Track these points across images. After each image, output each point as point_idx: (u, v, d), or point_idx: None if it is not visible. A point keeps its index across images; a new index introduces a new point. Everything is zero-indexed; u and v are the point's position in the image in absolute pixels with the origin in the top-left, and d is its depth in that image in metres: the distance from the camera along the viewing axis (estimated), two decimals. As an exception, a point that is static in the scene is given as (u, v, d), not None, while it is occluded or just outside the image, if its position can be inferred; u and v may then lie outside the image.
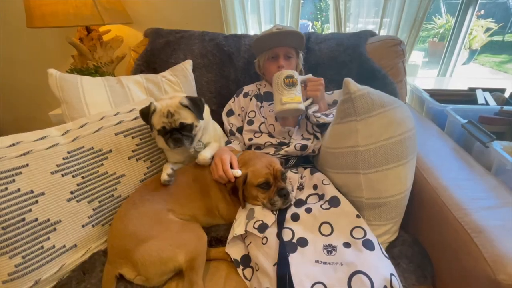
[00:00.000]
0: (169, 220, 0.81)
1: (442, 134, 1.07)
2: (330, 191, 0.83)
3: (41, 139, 0.79)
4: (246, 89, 1.23)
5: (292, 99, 0.92)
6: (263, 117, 1.12)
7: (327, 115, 0.98)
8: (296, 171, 1.01)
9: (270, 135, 1.10)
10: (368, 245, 0.68)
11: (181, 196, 0.89)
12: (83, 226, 0.81)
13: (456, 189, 0.76)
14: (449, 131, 1.17)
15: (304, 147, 0.99)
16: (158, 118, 0.89)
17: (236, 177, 0.86)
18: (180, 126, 0.89)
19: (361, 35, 1.36)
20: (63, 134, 0.83)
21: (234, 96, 1.23)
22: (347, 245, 0.70)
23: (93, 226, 0.82)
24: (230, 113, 1.21)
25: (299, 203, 0.86)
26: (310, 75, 1.02)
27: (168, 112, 0.87)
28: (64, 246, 0.77)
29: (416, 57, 2.59)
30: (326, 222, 0.76)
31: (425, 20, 1.52)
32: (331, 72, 1.28)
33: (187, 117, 0.89)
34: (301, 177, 0.98)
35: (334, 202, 0.80)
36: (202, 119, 0.93)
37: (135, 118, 0.96)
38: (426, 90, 1.40)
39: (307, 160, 1.06)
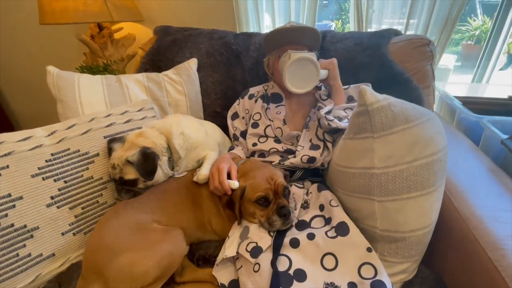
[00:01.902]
0: (151, 229, 0.73)
1: (477, 150, 0.91)
2: (338, 215, 0.71)
3: (25, 139, 0.74)
4: (252, 90, 1.14)
5: (301, 54, 0.88)
6: (269, 119, 1.02)
7: (340, 119, 0.86)
8: (302, 186, 0.90)
9: (277, 140, 0.99)
10: None
11: (170, 205, 0.81)
12: (63, 234, 0.75)
13: (492, 222, 0.61)
14: (485, 147, 1.00)
15: (312, 160, 0.88)
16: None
17: (233, 189, 0.77)
18: (120, 181, 0.79)
19: (383, 34, 1.21)
20: (49, 135, 0.78)
21: (239, 98, 1.14)
22: (353, 285, 0.58)
23: (74, 234, 0.77)
24: (235, 116, 1.12)
25: (302, 225, 0.75)
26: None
27: (113, 164, 0.79)
28: (41, 254, 0.72)
29: (447, 60, 2.36)
30: (331, 253, 0.64)
31: (460, 21, 1.35)
32: (346, 74, 1.13)
33: (130, 172, 0.78)
34: (307, 193, 0.86)
35: (342, 229, 0.68)
36: (150, 180, 0.80)
37: (127, 121, 0.90)
38: (458, 98, 1.23)
39: (316, 173, 0.94)
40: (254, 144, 1.01)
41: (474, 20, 3.53)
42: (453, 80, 2.23)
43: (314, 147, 0.91)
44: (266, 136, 1.00)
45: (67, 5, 1.30)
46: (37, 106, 2.24)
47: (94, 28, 1.59)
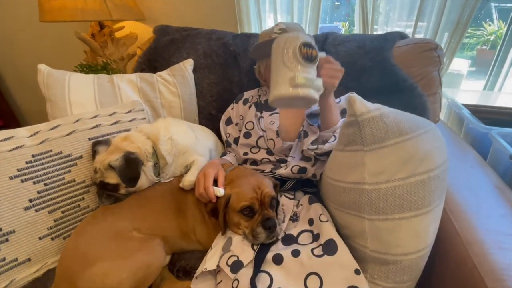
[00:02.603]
0: (129, 237, 0.70)
1: (484, 165, 0.84)
2: (327, 231, 0.66)
3: (6, 139, 0.72)
4: (247, 94, 1.09)
5: (309, 80, 0.60)
6: (262, 129, 0.96)
7: (325, 140, 0.80)
8: (293, 196, 0.85)
9: (269, 151, 0.94)
10: None
11: (152, 213, 0.78)
12: (40, 238, 0.73)
13: (495, 249, 0.55)
14: (493, 162, 0.92)
15: (302, 170, 0.83)
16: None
17: (218, 197, 0.73)
18: (101, 185, 0.77)
19: (388, 37, 1.15)
20: (31, 136, 0.76)
21: (234, 102, 1.09)
22: None
23: (52, 239, 0.75)
24: (228, 122, 1.08)
25: (289, 239, 0.70)
26: (326, 55, 0.71)
27: (95, 168, 0.76)
28: (16, 259, 0.70)
29: (460, 65, 2.25)
30: (315, 273, 0.59)
31: (475, 25, 1.27)
32: (347, 78, 1.05)
33: (111, 177, 0.75)
34: (298, 205, 0.81)
35: (329, 248, 0.62)
36: (132, 186, 0.77)
37: (114, 123, 0.88)
38: (467, 106, 1.16)
39: (309, 183, 0.88)
40: (245, 154, 0.97)
41: (490, 25, 3.39)
42: (466, 86, 2.12)
43: (305, 158, 0.87)
44: (258, 147, 0.96)
45: (65, 3, 1.29)
46: (42, 102, 2.27)
47: (95, 26, 1.58)
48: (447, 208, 0.67)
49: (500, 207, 0.66)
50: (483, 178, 0.77)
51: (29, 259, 0.71)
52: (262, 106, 1.01)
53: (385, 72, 1.05)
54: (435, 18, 1.29)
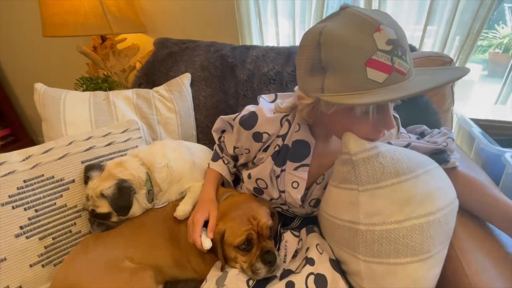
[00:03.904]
0: (120, 268, 0.68)
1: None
2: (321, 264, 0.62)
3: (-2, 165, 0.72)
4: (261, 126, 0.71)
5: None
6: (280, 191, 0.72)
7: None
8: (299, 234, 0.78)
9: (284, 204, 0.78)
10: None
11: (144, 241, 0.75)
12: (31, 265, 0.72)
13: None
14: (506, 189, 0.85)
15: (317, 203, 0.74)
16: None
17: (206, 249, 0.67)
18: (93, 213, 0.75)
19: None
20: (23, 160, 0.75)
21: (239, 123, 0.74)
22: None
23: (43, 266, 0.74)
24: (230, 125, 0.84)
25: (289, 274, 0.64)
26: None
27: (87, 195, 0.75)
28: (8, 287, 0.69)
29: (471, 71, 2.11)
30: None
31: (487, 27, 1.19)
32: None
33: (103, 206, 0.74)
34: (299, 242, 0.75)
35: (319, 282, 0.59)
36: (124, 215, 0.76)
37: (108, 144, 0.86)
38: (479, 121, 1.09)
39: (313, 220, 0.79)
40: (255, 190, 0.78)
41: (503, 28, 3.24)
42: (478, 92, 2.02)
43: None
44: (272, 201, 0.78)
45: (67, 19, 1.30)
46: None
47: (97, 39, 1.58)
48: (456, 247, 0.61)
49: (513, 244, 0.61)
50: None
51: (20, 287, 0.71)
52: (287, 154, 0.70)
53: None
54: (444, 28, 1.23)
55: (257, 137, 0.72)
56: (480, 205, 0.61)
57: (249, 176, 0.75)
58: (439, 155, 0.64)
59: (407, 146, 0.64)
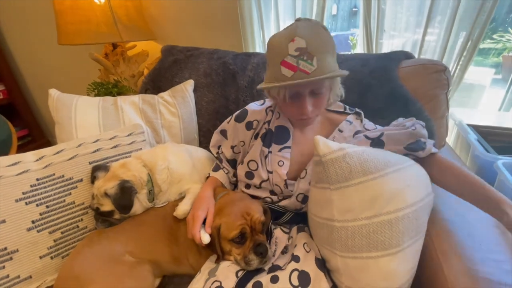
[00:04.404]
0: (120, 261, 0.73)
1: (486, 197, 0.79)
2: (306, 262, 0.66)
3: (14, 164, 0.79)
4: (251, 116, 0.87)
5: None
6: (268, 171, 0.82)
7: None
8: (288, 231, 0.83)
9: (273, 192, 0.85)
10: None
11: (144, 237, 0.81)
12: (40, 257, 0.78)
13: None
14: (497, 194, 0.86)
15: (306, 199, 0.79)
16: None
17: (204, 243, 0.72)
18: (97, 211, 0.81)
19: (392, 56, 1.12)
20: (37, 160, 0.82)
21: (234, 119, 0.90)
22: None
23: (51, 258, 0.80)
24: (224, 133, 0.94)
25: (275, 269, 0.69)
26: None
27: (93, 193, 0.81)
28: (19, 276, 0.75)
29: (482, 75, 2.04)
30: None
31: (502, 30, 1.18)
32: (353, 96, 1.03)
33: (106, 204, 0.79)
34: (288, 239, 0.80)
35: (303, 279, 0.62)
36: (125, 213, 0.81)
37: (114, 146, 0.93)
38: (481, 128, 1.09)
39: (302, 216, 0.83)
40: (248, 186, 0.88)
41: (517, 31, 3.16)
42: (489, 97, 1.96)
43: None
44: (261, 188, 0.86)
45: (80, 28, 1.38)
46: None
47: (109, 46, 1.67)
48: (438, 248, 0.64)
49: (499, 252, 0.62)
50: (483, 215, 0.72)
51: (30, 277, 0.77)
52: (272, 137, 0.83)
53: (394, 92, 1.00)
54: (443, 35, 1.24)
55: (249, 125, 0.87)
56: (461, 189, 0.64)
57: (242, 162, 0.88)
58: (415, 144, 0.68)
59: (381, 136, 0.71)
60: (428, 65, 1.04)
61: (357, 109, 0.87)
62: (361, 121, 0.84)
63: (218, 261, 0.74)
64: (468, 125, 1.11)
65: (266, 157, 0.82)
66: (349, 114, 0.86)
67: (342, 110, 0.88)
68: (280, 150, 0.82)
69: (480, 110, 1.64)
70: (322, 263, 0.65)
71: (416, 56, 1.28)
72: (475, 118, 1.36)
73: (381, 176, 0.54)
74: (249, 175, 0.85)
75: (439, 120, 1.04)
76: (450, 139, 1.28)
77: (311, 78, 0.62)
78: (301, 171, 0.80)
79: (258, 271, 0.70)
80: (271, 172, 0.82)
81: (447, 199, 0.73)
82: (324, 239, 0.62)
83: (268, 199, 0.85)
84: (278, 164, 0.81)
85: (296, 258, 0.67)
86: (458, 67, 1.26)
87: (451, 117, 1.21)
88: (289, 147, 0.82)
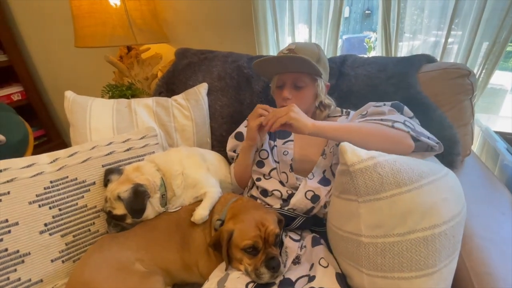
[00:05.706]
0: (131, 271, 0.72)
1: (520, 211, 0.73)
2: (323, 279, 0.61)
3: (28, 166, 0.79)
4: None
5: None
6: (275, 161, 0.93)
7: None
8: (299, 237, 0.80)
9: (281, 182, 0.90)
10: None
11: (156, 244, 0.79)
12: (52, 261, 0.77)
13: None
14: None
15: (316, 198, 0.79)
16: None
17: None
18: (109, 214, 0.80)
19: (413, 60, 1.08)
20: (51, 162, 0.82)
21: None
22: None
23: (63, 262, 0.79)
24: (239, 137, 1.04)
25: (286, 284, 0.66)
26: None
27: (106, 197, 0.80)
28: (30, 280, 0.74)
29: (504, 79, 1.95)
30: None
31: None
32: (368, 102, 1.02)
33: (119, 208, 0.78)
34: (301, 248, 0.77)
35: None
36: (138, 218, 0.80)
37: (127, 149, 0.92)
38: (507, 135, 1.02)
39: (318, 221, 0.83)
40: (258, 179, 0.93)
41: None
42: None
43: (325, 180, 0.83)
44: (271, 177, 0.92)
45: (96, 30, 1.40)
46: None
47: (123, 49, 1.69)
48: (469, 266, 0.59)
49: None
50: (517, 230, 0.67)
51: (41, 280, 0.76)
52: (276, 133, 0.97)
53: (411, 100, 0.96)
54: (467, 39, 1.18)
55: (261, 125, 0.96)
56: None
57: (256, 150, 0.98)
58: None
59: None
60: (451, 69, 0.99)
61: (348, 110, 0.99)
62: (342, 111, 0.99)
63: (226, 268, 0.71)
64: (496, 132, 1.04)
65: (272, 149, 0.95)
66: (341, 115, 0.97)
67: (339, 114, 0.99)
68: (284, 144, 0.94)
69: (502, 116, 1.56)
70: (343, 279, 0.61)
71: (438, 59, 1.23)
72: (497, 124, 1.29)
73: (415, 188, 0.49)
74: (260, 164, 0.94)
75: (463, 127, 0.99)
76: (474, 147, 1.21)
77: (288, 55, 0.86)
78: (305, 163, 0.89)
79: (269, 284, 0.67)
80: (278, 162, 0.92)
81: (475, 211, 0.68)
82: (347, 254, 0.57)
83: (277, 193, 0.86)
84: (283, 154, 0.92)
85: (312, 278, 0.63)
86: (484, 71, 1.20)
87: (476, 124, 1.15)
88: (291, 140, 0.94)
